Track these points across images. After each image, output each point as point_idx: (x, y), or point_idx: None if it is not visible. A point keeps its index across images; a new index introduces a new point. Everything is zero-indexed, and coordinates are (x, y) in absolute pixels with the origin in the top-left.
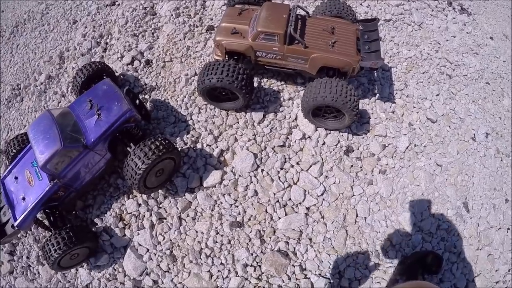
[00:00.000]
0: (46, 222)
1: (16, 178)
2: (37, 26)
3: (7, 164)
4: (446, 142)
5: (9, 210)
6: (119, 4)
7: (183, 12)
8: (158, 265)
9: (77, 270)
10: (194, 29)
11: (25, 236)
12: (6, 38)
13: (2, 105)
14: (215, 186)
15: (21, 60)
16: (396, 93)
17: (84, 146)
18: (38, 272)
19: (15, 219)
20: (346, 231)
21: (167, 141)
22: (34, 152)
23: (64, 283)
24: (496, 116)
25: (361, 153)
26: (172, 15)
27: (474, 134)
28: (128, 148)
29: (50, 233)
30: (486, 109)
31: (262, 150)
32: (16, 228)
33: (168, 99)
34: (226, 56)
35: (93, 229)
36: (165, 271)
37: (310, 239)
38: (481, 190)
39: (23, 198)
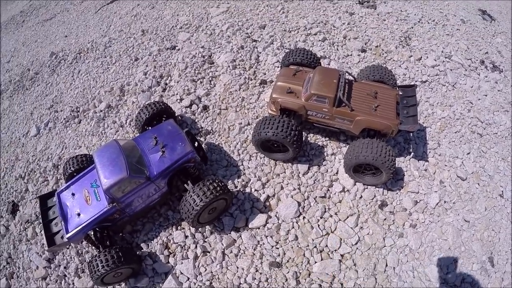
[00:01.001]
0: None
1: (73, 194)
2: (100, 57)
3: (58, 178)
4: (474, 199)
5: (62, 222)
6: (179, 49)
7: (239, 65)
8: None
9: (114, 287)
10: (248, 81)
11: (68, 248)
12: (68, 62)
13: (60, 123)
14: (259, 228)
15: (81, 85)
16: (429, 152)
17: (147, 178)
18: (73, 283)
19: (67, 232)
20: (376, 279)
21: (223, 184)
22: (98, 175)
23: None
24: None
25: (394, 208)
26: (229, 66)
27: (502, 191)
28: (186, 186)
29: (97, 250)
30: None
31: (305, 200)
32: (66, 240)
33: (221, 144)
34: (280, 112)
35: (138, 253)
36: None
37: (342, 284)
38: (507, 245)
39: (78, 214)
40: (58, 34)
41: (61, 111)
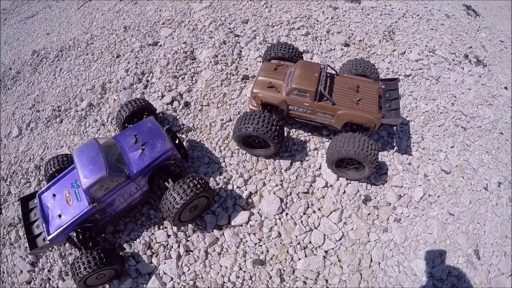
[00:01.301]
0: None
1: (54, 195)
2: (82, 54)
3: (40, 179)
4: (459, 192)
5: (43, 224)
6: (161, 45)
7: (221, 60)
8: None
9: None
10: (230, 77)
11: (51, 251)
12: (50, 60)
13: (41, 123)
14: (242, 226)
15: (63, 83)
16: (413, 146)
17: (127, 176)
18: (58, 286)
19: (48, 234)
20: (361, 274)
21: (203, 181)
22: (78, 175)
23: None
24: (509, 165)
25: (378, 202)
26: (211, 62)
27: (487, 184)
28: (166, 184)
29: (80, 251)
30: (499, 159)
31: (288, 196)
32: (48, 242)
33: (203, 141)
34: (261, 107)
35: (120, 253)
36: None
37: (327, 280)
38: (493, 238)
39: (59, 215)
40: (40, 32)
41: (43, 110)
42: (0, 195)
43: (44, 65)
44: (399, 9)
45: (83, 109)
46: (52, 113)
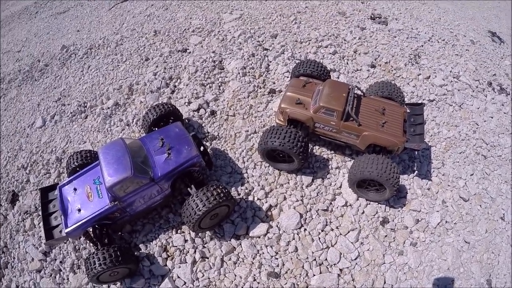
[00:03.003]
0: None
1: (75, 189)
2: (111, 54)
3: (60, 171)
4: (475, 220)
5: (61, 216)
6: (190, 52)
7: (249, 72)
8: None
9: (108, 286)
10: (257, 90)
11: (65, 243)
12: (79, 56)
13: (66, 117)
14: (259, 237)
15: (90, 80)
16: (433, 171)
17: (151, 179)
18: (68, 279)
19: (66, 226)
20: None
21: (226, 190)
22: (102, 172)
23: None
24: None
25: (395, 225)
26: (239, 73)
27: (504, 214)
28: (189, 190)
29: (95, 247)
30: None
31: (307, 212)
32: (64, 235)
33: (227, 150)
34: (287, 122)
35: (136, 253)
36: None
37: None
38: (506, 268)
39: (79, 210)
40: (71, 28)
41: (69, 104)
42: (19, 183)
43: (73, 61)
44: (425, 33)
45: (109, 108)
46: (77, 108)
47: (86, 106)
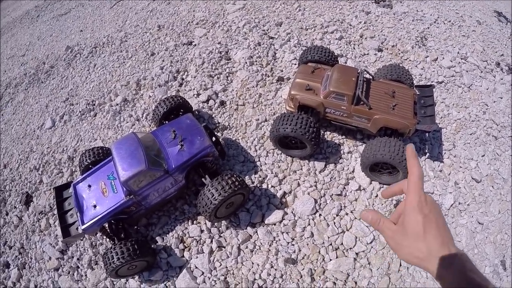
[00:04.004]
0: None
1: (89, 186)
2: (116, 51)
3: (72, 170)
4: (488, 201)
5: (77, 213)
6: (195, 45)
7: (256, 61)
8: None
9: (127, 280)
10: (265, 78)
11: (81, 240)
12: (84, 56)
13: (75, 116)
14: (275, 224)
15: (97, 79)
16: (445, 153)
17: (165, 171)
18: (86, 275)
19: (82, 223)
20: (389, 278)
21: (241, 178)
22: (116, 168)
23: None
24: None
25: None
26: (246, 62)
27: None
28: (203, 180)
29: (113, 242)
30: None
31: (321, 197)
32: (81, 231)
33: (238, 140)
34: (297, 109)
35: (152, 246)
36: None
37: (356, 282)
38: None
39: (94, 206)
40: (74, 29)
41: (77, 104)
42: (32, 184)
43: (78, 61)
44: (431, 14)
45: (117, 104)
46: (86, 107)
47: (94, 104)
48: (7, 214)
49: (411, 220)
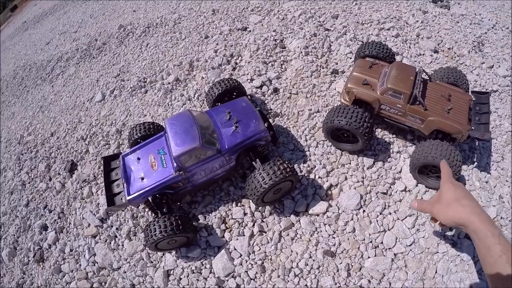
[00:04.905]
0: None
1: (138, 159)
2: (169, 32)
3: (119, 143)
4: None
5: (124, 184)
6: (250, 31)
7: (311, 52)
8: (246, 271)
9: (163, 254)
10: (320, 69)
11: (123, 211)
12: (137, 35)
13: (126, 91)
14: (318, 215)
15: (150, 57)
16: (493, 164)
17: (218, 150)
18: (123, 245)
19: (129, 194)
20: (423, 283)
21: (292, 166)
22: (169, 142)
23: (145, 262)
24: None
25: None
26: (301, 52)
27: None
28: (254, 163)
29: (155, 215)
30: None
31: (367, 193)
32: (126, 202)
33: (289, 128)
34: (352, 103)
35: (194, 223)
36: (251, 279)
37: (390, 283)
38: None
39: (142, 178)
40: (126, 9)
41: (128, 80)
42: (78, 153)
43: (131, 39)
44: (489, 19)
45: (169, 83)
46: (137, 83)
47: (146, 81)
48: (50, 180)
49: (445, 190)
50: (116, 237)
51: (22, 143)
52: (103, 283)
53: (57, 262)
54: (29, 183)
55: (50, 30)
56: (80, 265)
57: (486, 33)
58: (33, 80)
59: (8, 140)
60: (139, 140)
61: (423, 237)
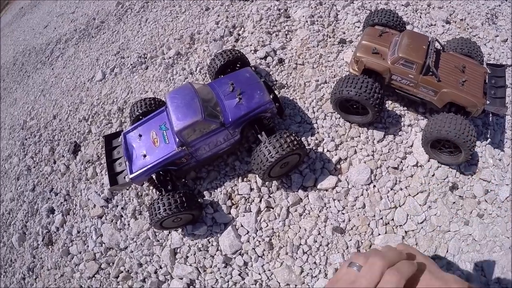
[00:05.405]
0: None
1: (140, 136)
2: (168, 6)
3: (122, 121)
4: None
5: (126, 162)
6: (252, 1)
7: (317, 21)
8: (254, 248)
9: (169, 232)
10: (327, 39)
11: (127, 189)
12: (135, 11)
13: (126, 68)
14: (327, 190)
15: (149, 33)
16: (506, 142)
17: (221, 123)
18: (129, 224)
19: (131, 172)
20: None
21: (299, 138)
22: (170, 117)
23: (152, 241)
24: None
25: (464, 193)
26: (307, 21)
27: None
28: (259, 136)
29: (159, 193)
30: None
31: (378, 168)
32: (129, 180)
33: (296, 100)
34: (361, 72)
35: (199, 200)
36: (259, 256)
37: None
38: None
39: (144, 155)
40: None
41: (128, 57)
42: (80, 134)
43: (129, 16)
44: None
45: (170, 57)
46: (137, 60)
47: (146, 57)
48: (54, 163)
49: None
50: (122, 216)
51: (26, 128)
52: (111, 263)
53: (65, 245)
54: (34, 167)
55: (48, 13)
56: (88, 246)
57: (499, 5)
58: (33, 64)
59: (11, 126)
60: (140, 117)
61: (435, 214)
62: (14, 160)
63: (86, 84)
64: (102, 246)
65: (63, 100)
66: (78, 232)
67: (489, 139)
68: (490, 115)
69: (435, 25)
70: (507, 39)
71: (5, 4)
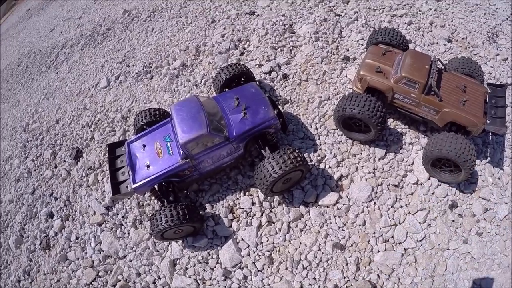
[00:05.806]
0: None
1: (144, 146)
2: (175, 16)
3: (125, 129)
4: None
5: (129, 171)
6: (258, 15)
7: (322, 37)
8: (254, 262)
9: (170, 243)
10: (331, 56)
11: (129, 198)
12: (142, 19)
13: (131, 77)
14: (328, 207)
15: (155, 42)
16: (506, 161)
17: (226, 138)
18: (129, 233)
19: (134, 182)
20: (433, 280)
21: (302, 155)
22: (175, 129)
23: (151, 251)
24: None
25: (463, 211)
26: (311, 37)
27: None
28: (263, 152)
29: (161, 204)
30: None
31: (378, 185)
32: (131, 190)
33: (299, 115)
34: (364, 91)
35: (201, 212)
36: (259, 270)
37: (399, 279)
38: None
39: (147, 166)
40: None
41: (133, 65)
42: (83, 140)
43: (136, 24)
44: (504, 10)
45: (175, 68)
46: (143, 69)
47: (151, 67)
48: (55, 167)
49: None
50: (122, 225)
51: (28, 130)
52: (109, 272)
53: (63, 250)
54: (35, 170)
55: (54, 16)
56: (86, 253)
57: (500, 24)
58: (38, 67)
59: (14, 128)
60: (144, 127)
61: (434, 232)
62: (15, 162)
63: (90, 90)
64: (100, 253)
65: (67, 105)
66: (77, 238)
67: (489, 158)
68: (490, 134)
69: (437, 43)
70: (507, 58)
71: (12, 5)
